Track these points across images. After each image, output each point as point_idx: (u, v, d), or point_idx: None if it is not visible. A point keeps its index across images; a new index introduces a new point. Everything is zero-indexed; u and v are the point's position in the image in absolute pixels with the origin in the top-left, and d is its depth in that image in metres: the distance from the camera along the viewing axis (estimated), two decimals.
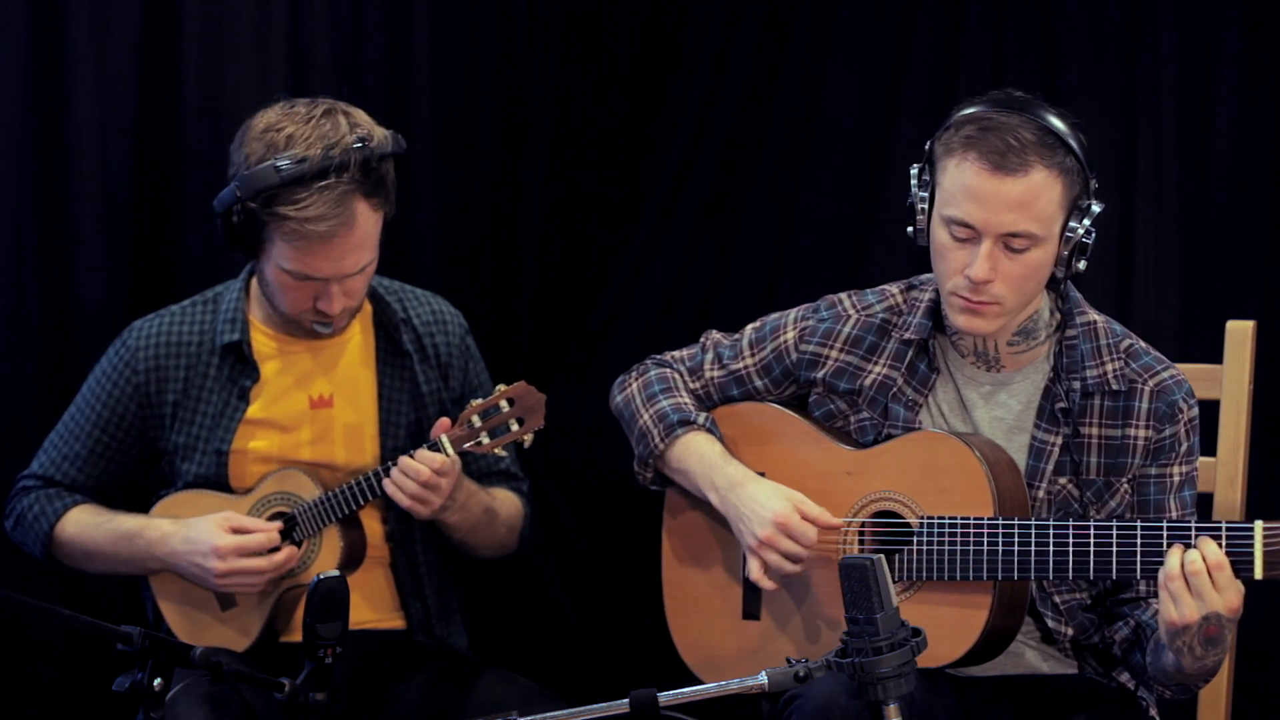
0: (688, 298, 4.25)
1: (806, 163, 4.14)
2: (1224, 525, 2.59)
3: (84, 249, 3.71)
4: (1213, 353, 3.11)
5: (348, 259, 3.03)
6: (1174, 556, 2.58)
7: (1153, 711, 2.91)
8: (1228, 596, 2.57)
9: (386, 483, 3.03)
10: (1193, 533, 2.60)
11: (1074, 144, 2.75)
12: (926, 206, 2.79)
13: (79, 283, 3.71)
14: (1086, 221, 2.75)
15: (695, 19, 4.27)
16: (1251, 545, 2.56)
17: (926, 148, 2.82)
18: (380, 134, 3.04)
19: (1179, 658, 2.63)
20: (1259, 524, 2.57)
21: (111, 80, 3.72)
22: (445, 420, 3.06)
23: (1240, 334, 3.08)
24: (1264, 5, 3.79)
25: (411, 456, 3.03)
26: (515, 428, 3.04)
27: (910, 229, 2.83)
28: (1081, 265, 2.79)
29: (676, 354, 3.11)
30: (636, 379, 3.10)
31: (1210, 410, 3.08)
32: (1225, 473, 3.06)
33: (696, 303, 4.24)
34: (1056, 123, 2.74)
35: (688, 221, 4.25)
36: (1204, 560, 2.56)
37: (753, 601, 2.97)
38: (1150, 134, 3.85)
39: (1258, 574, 2.56)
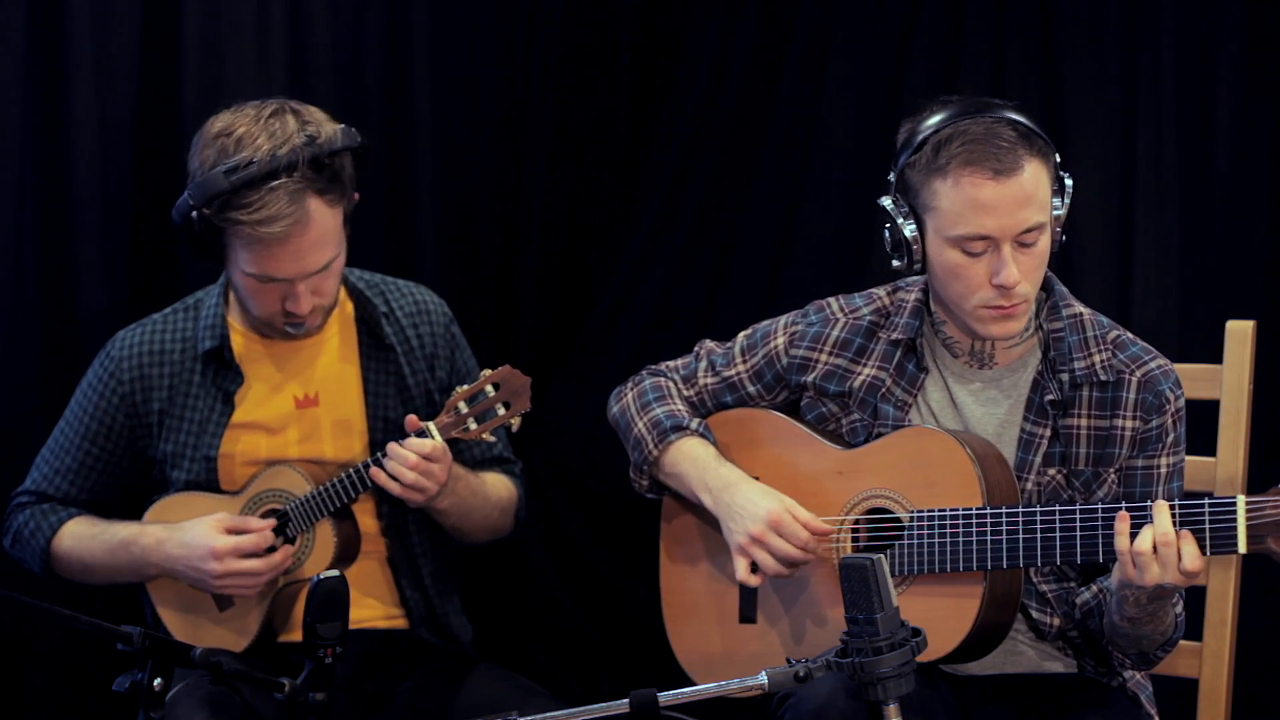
0: (688, 297, 4.25)
1: (806, 164, 4.14)
2: (1206, 501, 2.61)
3: (83, 250, 3.71)
4: (1213, 353, 3.11)
5: (308, 258, 3.01)
6: (1146, 533, 2.60)
7: (1151, 710, 2.91)
8: (1187, 567, 2.59)
9: (376, 472, 3.02)
10: (1177, 510, 2.61)
11: (1035, 125, 2.78)
12: (918, 234, 2.80)
13: (78, 284, 3.71)
14: (1066, 198, 2.80)
15: (695, 19, 4.27)
16: (1234, 520, 2.57)
17: (892, 177, 2.82)
18: (330, 129, 3.01)
19: (1123, 604, 2.67)
20: (1241, 498, 2.58)
21: (111, 80, 3.72)
22: (413, 417, 3.05)
23: (1240, 334, 3.08)
24: (1264, 5, 3.79)
25: (401, 445, 3.03)
26: (502, 412, 3.04)
27: (896, 263, 2.84)
28: (1063, 237, 2.83)
29: (671, 363, 3.14)
30: (632, 389, 3.12)
31: (1210, 410, 3.08)
32: (1225, 473, 3.06)
33: (696, 302, 4.24)
34: (1015, 114, 2.77)
35: (687, 221, 4.26)
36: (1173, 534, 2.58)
37: (749, 605, 2.97)
38: (1150, 133, 3.85)
39: (1241, 548, 2.58)
